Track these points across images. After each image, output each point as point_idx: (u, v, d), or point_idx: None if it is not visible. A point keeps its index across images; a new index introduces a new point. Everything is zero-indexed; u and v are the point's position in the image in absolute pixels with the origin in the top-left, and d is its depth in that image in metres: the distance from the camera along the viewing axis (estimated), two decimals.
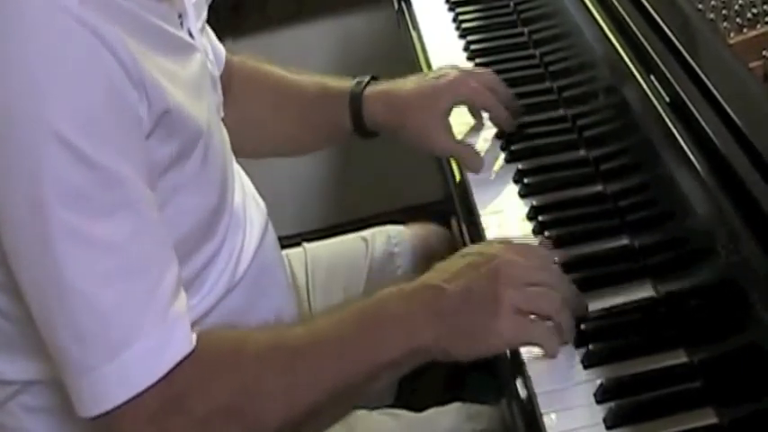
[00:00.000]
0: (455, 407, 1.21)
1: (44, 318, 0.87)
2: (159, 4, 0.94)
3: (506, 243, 0.98)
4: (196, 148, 0.96)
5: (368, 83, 1.24)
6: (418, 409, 1.23)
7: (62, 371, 0.88)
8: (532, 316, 0.91)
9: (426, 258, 1.33)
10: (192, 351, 0.88)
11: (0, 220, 0.85)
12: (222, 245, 1.05)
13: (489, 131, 1.28)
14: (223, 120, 1.11)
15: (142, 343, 0.85)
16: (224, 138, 1.09)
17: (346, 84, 1.25)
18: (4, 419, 1.02)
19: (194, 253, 1.00)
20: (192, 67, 0.99)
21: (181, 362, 0.87)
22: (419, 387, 1.40)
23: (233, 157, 1.13)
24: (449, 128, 1.21)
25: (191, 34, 1.01)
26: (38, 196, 0.82)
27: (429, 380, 1.42)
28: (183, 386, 0.87)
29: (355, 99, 1.23)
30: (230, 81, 1.23)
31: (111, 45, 0.84)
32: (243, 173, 1.18)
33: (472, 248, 0.97)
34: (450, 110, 1.22)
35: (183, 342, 0.88)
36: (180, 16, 0.99)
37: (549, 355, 0.92)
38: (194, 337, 0.89)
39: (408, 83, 1.23)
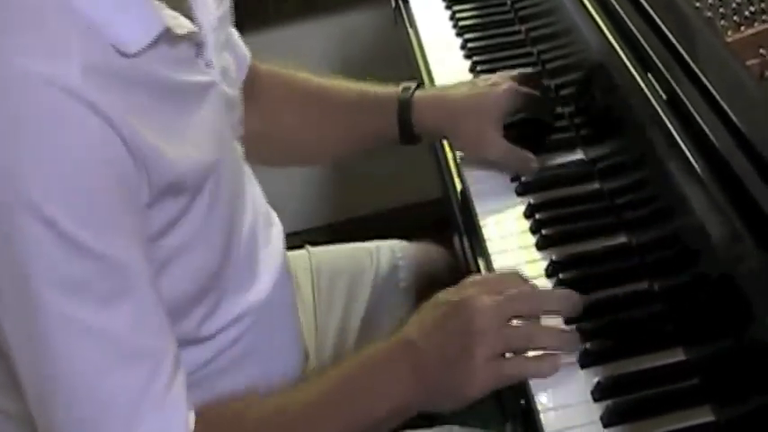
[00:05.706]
0: (446, 428, 1.18)
1: (42, 407, 0.85)
2: (172, 49, 0.89)
3: (480, 281, 0.98)
4: (201, 193, 0.93)
5: (416, 89, 1.23)
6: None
7: None
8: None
9: (427, 275, 1.37)
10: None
11: None
12: (231, 279, 1.02)
13: None
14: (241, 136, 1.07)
15: (142, 429, 0.85)
16: (236, 163, 1.04)
17: (392, 90, 1.24)
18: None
19: (199, 303, 0.98)
20: (206, 108, 0.95)
21: None
22: None
23: (245, 180, 1.09)
24: (501, 133, 1.20)
25: (208, 63, 0.97)
26: (32, 284, 0.80)
27: None
28: None
29: (404, 105, 1.22)
30: (256, 89, 1.20)
31: (110, 117, 0.80)
32: (257, 190, 1.13)
33: (447, 293, 0.96)
34: (503, 117, 1.20)
35: (181, 425, 0.87)
36: (198, 46, 0.95)
37: (542, 376, 0.93)
38: (192, 417, 0.89)
39: (461, 87, 1.23)
